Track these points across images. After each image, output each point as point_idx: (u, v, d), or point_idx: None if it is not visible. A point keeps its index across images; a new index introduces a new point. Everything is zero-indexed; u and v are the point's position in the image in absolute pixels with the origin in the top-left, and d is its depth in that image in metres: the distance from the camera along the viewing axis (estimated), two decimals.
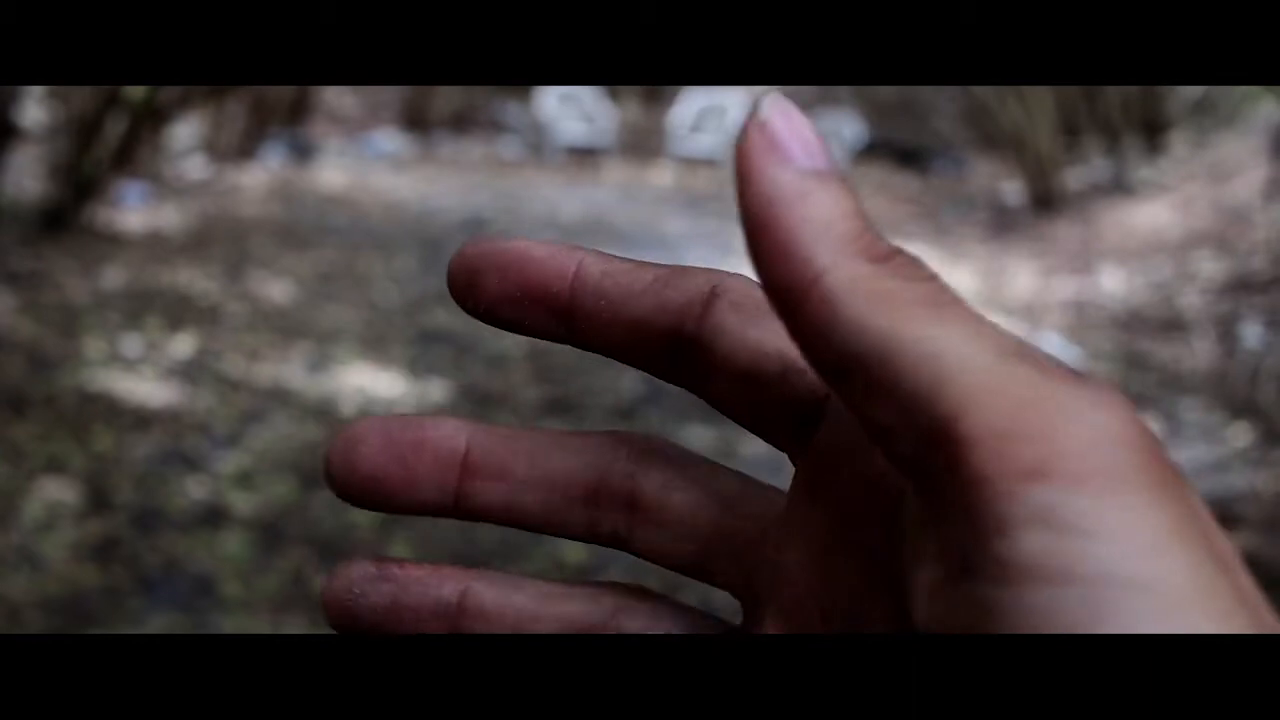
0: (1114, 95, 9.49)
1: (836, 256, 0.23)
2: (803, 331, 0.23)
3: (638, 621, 0.29)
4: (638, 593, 0.30)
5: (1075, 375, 0.21)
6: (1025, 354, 0.22)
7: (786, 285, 0.24)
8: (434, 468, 0.29)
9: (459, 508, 0.30)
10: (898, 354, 0.22)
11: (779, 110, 0.25)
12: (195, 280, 5.66)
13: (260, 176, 9.16)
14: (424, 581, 0.30)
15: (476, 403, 4.14)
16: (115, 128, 6.51)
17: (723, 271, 0.28)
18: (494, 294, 0.29)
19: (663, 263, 0.29)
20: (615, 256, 0.29)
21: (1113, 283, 6.40)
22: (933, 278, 0.23)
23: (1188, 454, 3.93)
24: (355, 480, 0.29)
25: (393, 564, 0.30)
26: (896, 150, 12.33)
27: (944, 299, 0.23)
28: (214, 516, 3.17)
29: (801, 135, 0.25)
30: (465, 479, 0.29)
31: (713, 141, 11.32)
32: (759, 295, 0.27)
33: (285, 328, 4.96)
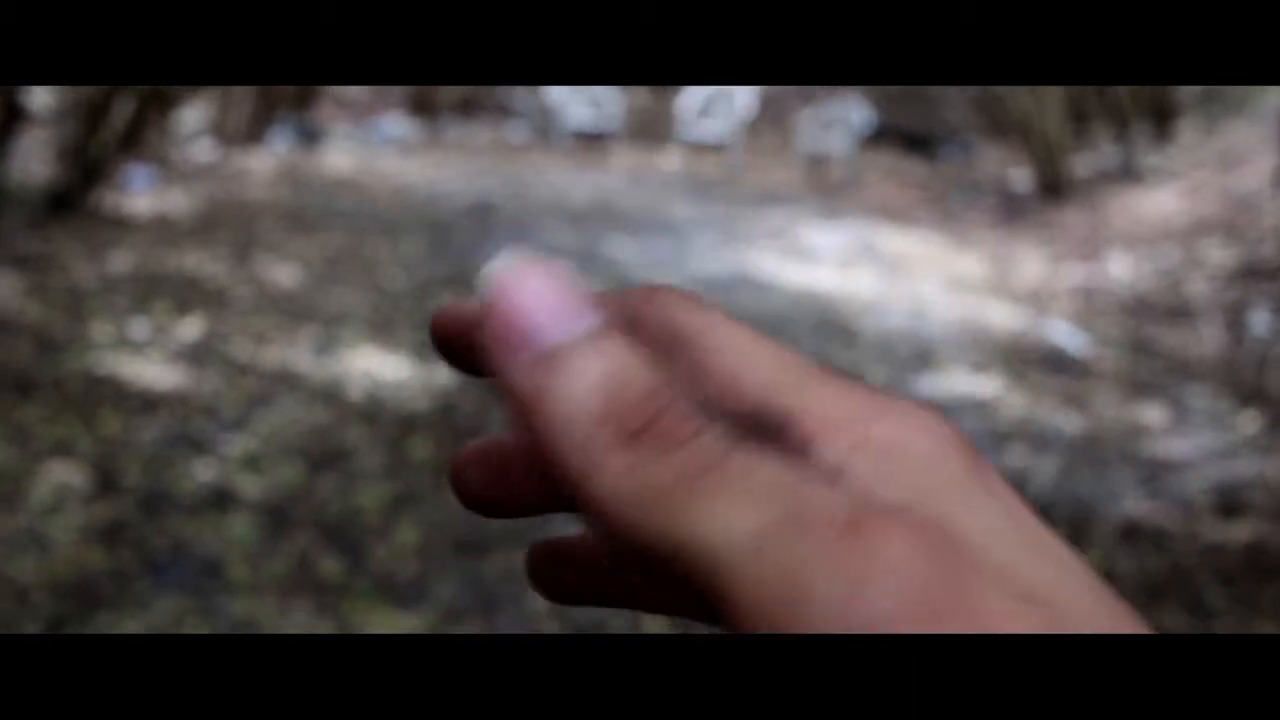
0: None
1: (589, 458, 0.22)
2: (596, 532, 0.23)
3: None
4: None
5: (846, 526, 0.20)
6: (790, 518, 0.20)
7: (566, 490, 0.23)
8: (528, 478, 0.30)
9: (562, 506, 0.30)
10: (672, 558, 0.21)
11: (510, 281, 0.24)
12: (203, 264, 5.66)
13: (267, 160, 9.16)
14: (585, 557, 0.31)
15: (484, 387, 4.14)
16: (123, 111, 6.52)
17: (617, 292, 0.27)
18: (459, 357, 0.29)
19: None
20: None
21: (1121, 269, 6.39)
22: (696, 432, 0.22)
23: (1195, 441, 3.93)
24: (472, 501, 0.30)
25: (560, 543, 0.31)
26: (905, 136, 12.31)
27: (708, 461, 0.22)
28: (221, 499, 3.18)
29: (537, 301, 0.23)
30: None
31: (720, 127, 11.30)
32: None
33: (292, 311, 4.97)
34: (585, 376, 0.23)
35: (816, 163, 10.89)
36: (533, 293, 0.23)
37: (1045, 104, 8.91)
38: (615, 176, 10.13)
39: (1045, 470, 3.64)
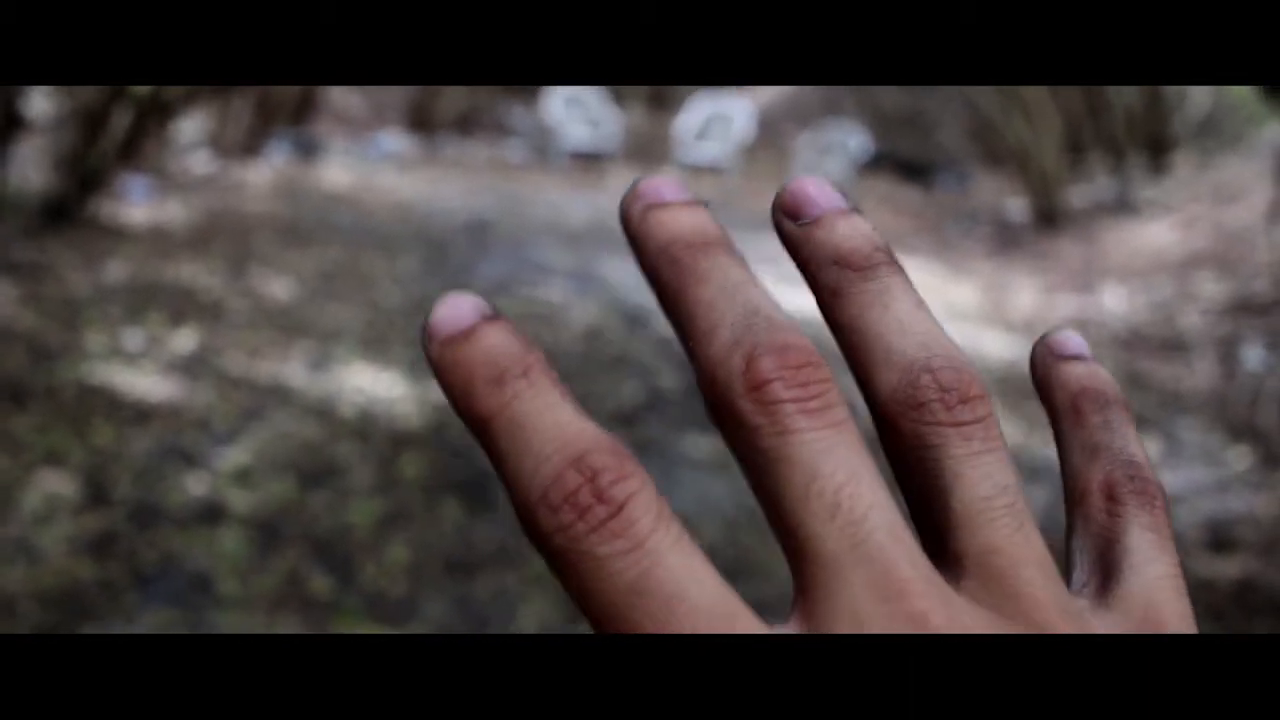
0: (1119, 114, 9.50)
1: None
2: None
3: None
4: None
5: None
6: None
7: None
8: None
9: None
10: None
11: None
12: (198, 276, 5.66)
13: (265, 173, 9.16)
14: None
15: None
16: (121, 121, 6.52)
17: None
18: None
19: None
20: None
21: (1114, 301, 6.40)
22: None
23: (1186, 475, 3.93)
24: None
25: None
26: (901, 164, 12.33)
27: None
28: (212, 513, 3.17)
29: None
30: None
31: (718, 150, 11.32)
32: None
33: (287, 326, 4.97)
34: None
35: None
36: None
37: (1042, 134, 8.93)
38: (612, 197, 10.13)
39: (1037, 501, 3.64)
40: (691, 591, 0.23)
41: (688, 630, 0.22)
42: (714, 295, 0.27)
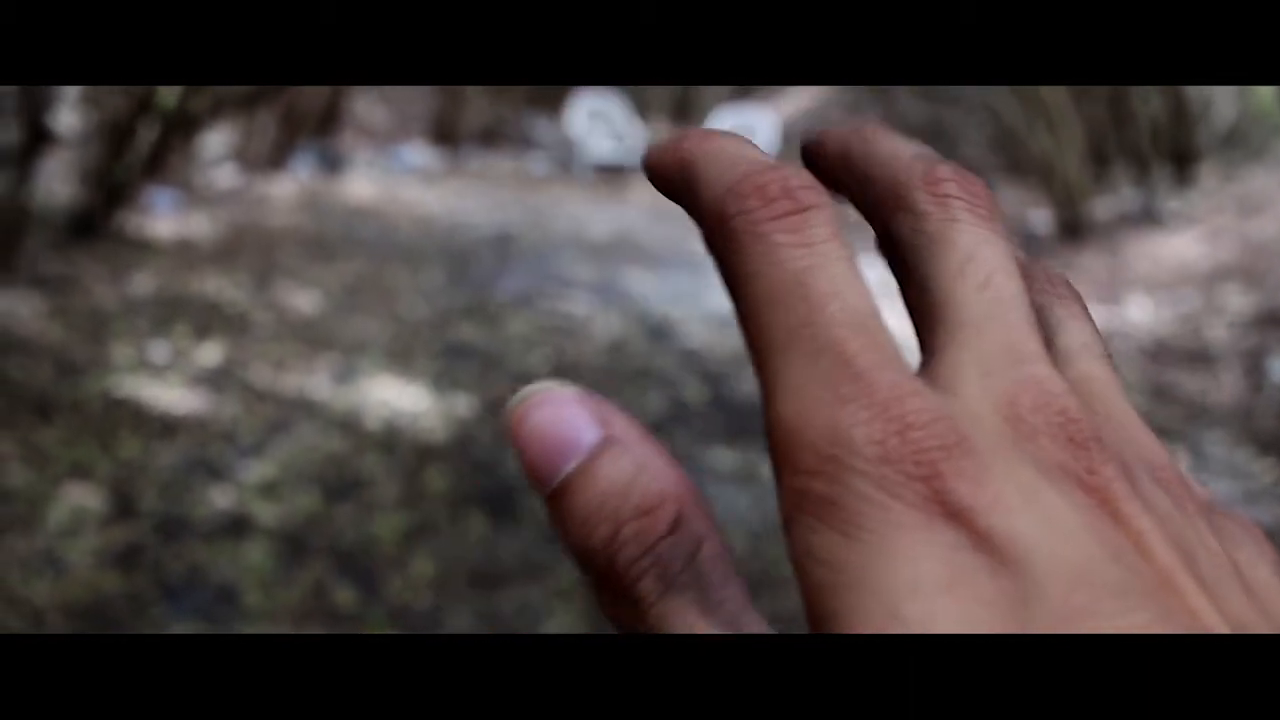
0: (1144, 124, 9.46)
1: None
2: None
3: None
4: None
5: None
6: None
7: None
8: None
9: None
10: None
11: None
12: (224, 289, 5.68)
13: (290, 187, 9.20)
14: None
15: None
16: (147, 134, 6.55)
17: None
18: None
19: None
20: None
21: (1140, 313, 6.37)
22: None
23: (1213, 488, 3.91)
24: None
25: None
26: None
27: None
28: (238, 526, 3.18)
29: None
30: None
31: None
32: None
33: (312, 338, 4.98)
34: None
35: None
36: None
37: (1065, 145, 8.91)
38: (636, 210, 10.14)
39: None
40: (849, 297, 0.23)
41: (834, 328, 0.23)
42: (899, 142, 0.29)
